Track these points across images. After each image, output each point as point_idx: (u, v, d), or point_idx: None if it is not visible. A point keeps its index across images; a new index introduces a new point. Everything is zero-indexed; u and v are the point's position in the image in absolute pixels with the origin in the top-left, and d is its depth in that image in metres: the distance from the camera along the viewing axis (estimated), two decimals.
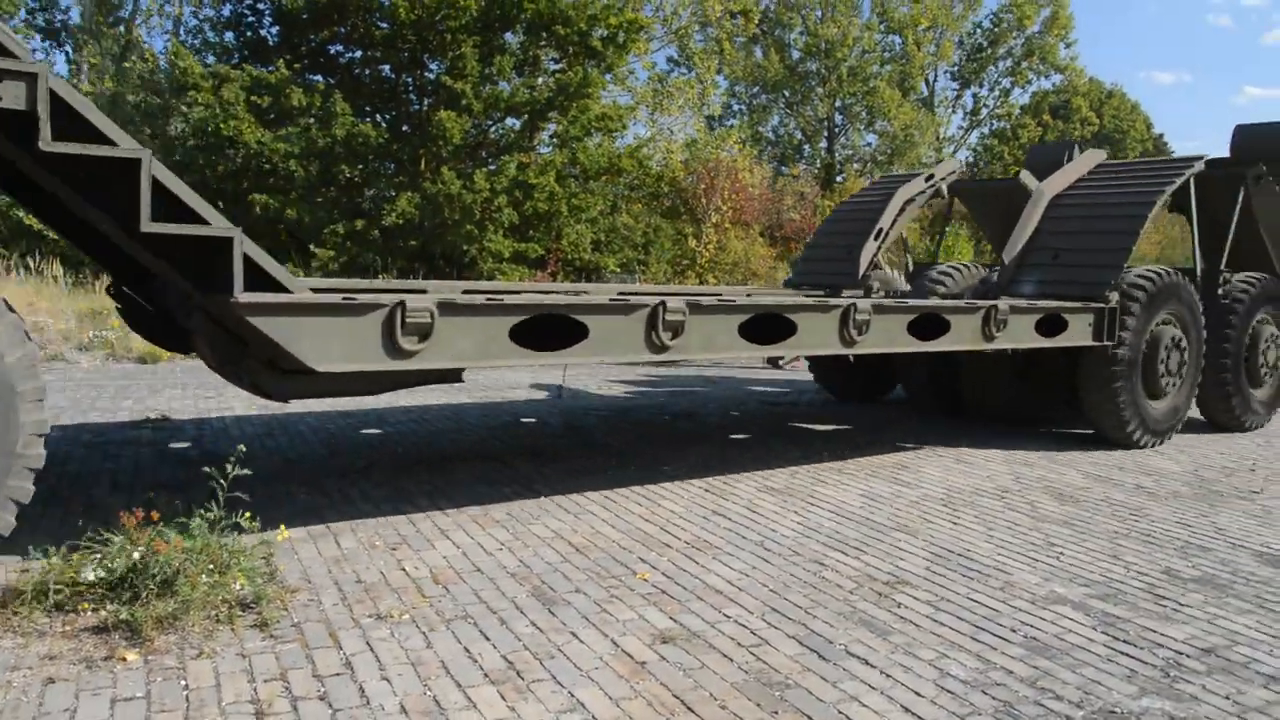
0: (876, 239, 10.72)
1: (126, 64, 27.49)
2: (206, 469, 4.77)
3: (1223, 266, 10.22)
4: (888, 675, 3.91)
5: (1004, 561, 5.50)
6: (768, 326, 6.49)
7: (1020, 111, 49.03)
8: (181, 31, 30.54)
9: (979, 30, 46.97)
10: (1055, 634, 4.42)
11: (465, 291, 7.04)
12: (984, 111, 48.73)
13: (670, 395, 11.98)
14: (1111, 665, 4.09)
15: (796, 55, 43.78)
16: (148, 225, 4.21)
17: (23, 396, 4.41)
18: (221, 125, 19.84)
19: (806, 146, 45.74)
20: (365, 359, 4.84)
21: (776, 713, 3.54)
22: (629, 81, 30.70)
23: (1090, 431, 9.50)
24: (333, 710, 3.42)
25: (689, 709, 3.54)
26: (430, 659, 3.87)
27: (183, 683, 3.57)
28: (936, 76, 48.15)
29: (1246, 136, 11.00)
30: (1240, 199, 10.17)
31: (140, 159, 4.15)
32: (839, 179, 40.71)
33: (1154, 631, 4.49)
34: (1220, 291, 10.07)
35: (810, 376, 12.45)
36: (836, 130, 45.46)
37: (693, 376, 13.94)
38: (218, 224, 4.42)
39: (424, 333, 4.94)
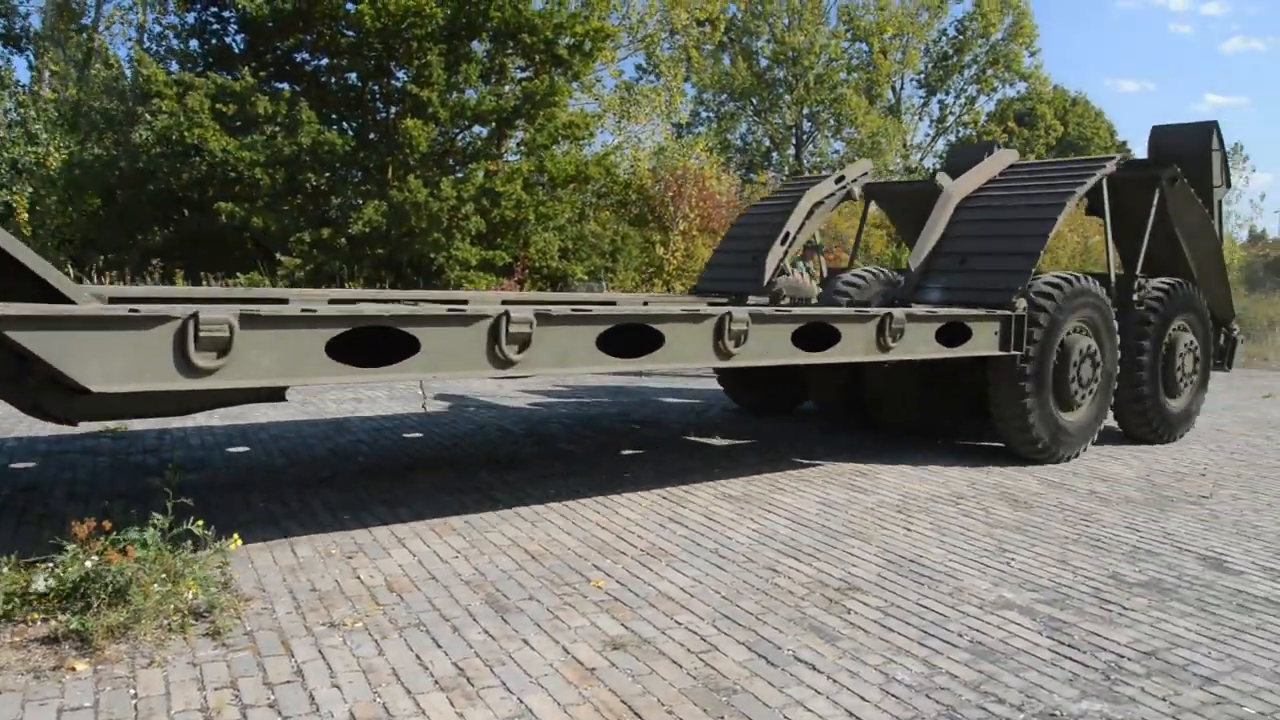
0: (783, 243, 10.43)
1: (90, 71, 27.26)
2: (156, 478, 4.77)
3: (1138, 271, 9.91)
4: (834, 680, 3.97)
5: (955, 567, 5.58)
6: (634, 338, 6.06)
7: (986, 119, 49.47)
8: (145, 39, 30.36)
9: (944, 38, 47.41)
10: (1001, 639, 4.51)
11: (332, 301, 6.86)
12: (950, 119, 49.13)
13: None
14: (1054, 669, 4.18)
15: (764, 63, 44.02)
16: None
17: None
18: (186, 133, 19.70)
19: (775, 154, 45.96)
20: (153, 378, 4.37)
21: (723, 717, 3.60)
22: (596, 89, 30.78)
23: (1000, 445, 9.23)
24: (282, 717, 3.45)
25: (636, 715, 3.59)
26: (381, 666, 3.90)
27: (132, 692, 3.58)
28: (903, 84, 48.53)
29: (1162, 137, 10.67)
30: (1155, 201, 9.82)
31: None
32: None
33: (1098, 635, 4.59)
34: (1135, 298, 9.68)
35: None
36: (804, 137, 45.72)
37: (661, 388, 13.99)
38: None
39: (222, 348, 4.47)
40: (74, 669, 3.73)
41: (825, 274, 11.83)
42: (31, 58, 31.15)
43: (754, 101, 44.93)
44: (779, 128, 45.57)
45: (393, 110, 22.19)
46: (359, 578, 4.98)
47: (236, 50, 22.32)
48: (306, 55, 22.38)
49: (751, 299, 9.89)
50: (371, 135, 22.05)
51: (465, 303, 7.55)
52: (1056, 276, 8.70)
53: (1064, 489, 7.77)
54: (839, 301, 10.10)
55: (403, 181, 20.55)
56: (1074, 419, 8.86)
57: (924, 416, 9.91)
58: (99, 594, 4.11)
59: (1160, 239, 10.17)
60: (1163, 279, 10.02)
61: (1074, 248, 30.64)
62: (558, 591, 4.90)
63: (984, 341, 8.10)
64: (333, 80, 22.51)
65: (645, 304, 8.44)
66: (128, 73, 26.78)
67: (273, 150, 20.03)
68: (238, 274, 19.93)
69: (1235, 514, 7.13)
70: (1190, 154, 10.46)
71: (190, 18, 22.77)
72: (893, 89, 47.79)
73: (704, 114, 46.82)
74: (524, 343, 5.44)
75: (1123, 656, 4.34)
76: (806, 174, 42.38)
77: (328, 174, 21.63)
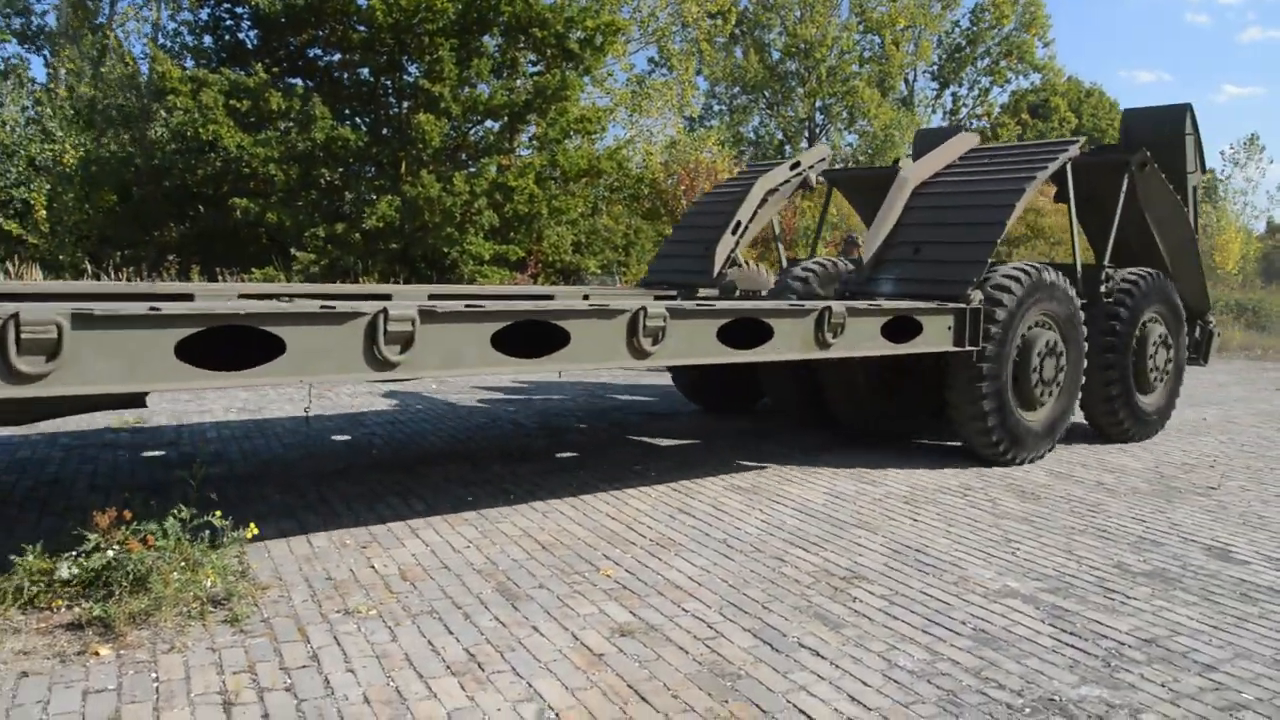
0: (734, 233, 10.04)
1: (104, 68, 27.45)
2: (179, 470, 4.88)
3: (1107, 261, 9.42)
4: (837, 666, 4.05)
5: (960, 557, 5.65)
6: (538, 337, 5.60)
7: (999, 111, 49.36)
8: (160, 35, 30.57)
9: (957, 29, 47.31)
10: (1004, 626, 4.58)
11: (241, 296, 6.44)
12: (963, 111, 49.06)
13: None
14: (1055, 656, 4.25)
15: (776, 56, 44.01)
16: None
17: None
18: (200, 129, 19.87)
19: (787, 147, 45.94)
20: None
21: (727, 701, 3.68)
22: (607, 83, 30.86)
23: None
24: (298, 700, 3.55)
25: (642, 699, 3.68)
26: (395, 652, 4.00)
27: (153, 675, 3.69)
28: (916, 76, 48.52)
29: (1134, 120, 10.45)
30: (1124, 188, 9.33)
31: None
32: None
33: (1100, 623, 4.65)
34: (1103, 289, 9.19)
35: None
36: (817, 130, 45.69)
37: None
38: None
39: (50, 351, 4.00)
40: (98, 654, 3.84)
41: (784, 264, 11.10)
42: (48, 55, 31.42)
43: (766, 94, 44.94)
44: (791, 121, 45.55)
45: (405, 105, 22.30)
46: (373, 567, 5.08)
47: (250, 46, 22.46)
48: (319, 51, 22.51)
49: (702, 291, 9.55)
50: (384, 130, 22.16)
51: (389, 297, 7.16)
52: (1016, 267, 8.26)
53: (1072, 480, 7.82)
54: (791, 294, 9.51)
55: (416, 176, 20.66)
56: (1037, 418, 8.42)
57: (884, 414, 9.39)
58: (121, 582, 4.23)
59: (1131, 227, 9.80)
60: (1133, 270, 9.56)
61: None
62: (568, 580, 5.00)
63: (936, 336, 7.64)
64: (345, 76, 22.64)
65: (586, 298, 8.03)
66: (143, 69, 26.97)
67: (286, 146, 20.17)
68: (252, 269, 20.10)
69: (1243, 505, 7.17)
70: (1163, 138, 10.12)
71: (204, 14, 22.92)
72: (905, 81, 47.78)
73: (716, 107, 46.88)
74: (406, 342, 4.97)
75: (1123, 644, 4.41)
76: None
77: (341, 169, 21.77)
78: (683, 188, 25.93)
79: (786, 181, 10.68)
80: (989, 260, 7.94)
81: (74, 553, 4.41)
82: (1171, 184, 9.80)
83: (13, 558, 4.40)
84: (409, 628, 4.27)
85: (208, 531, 4.68)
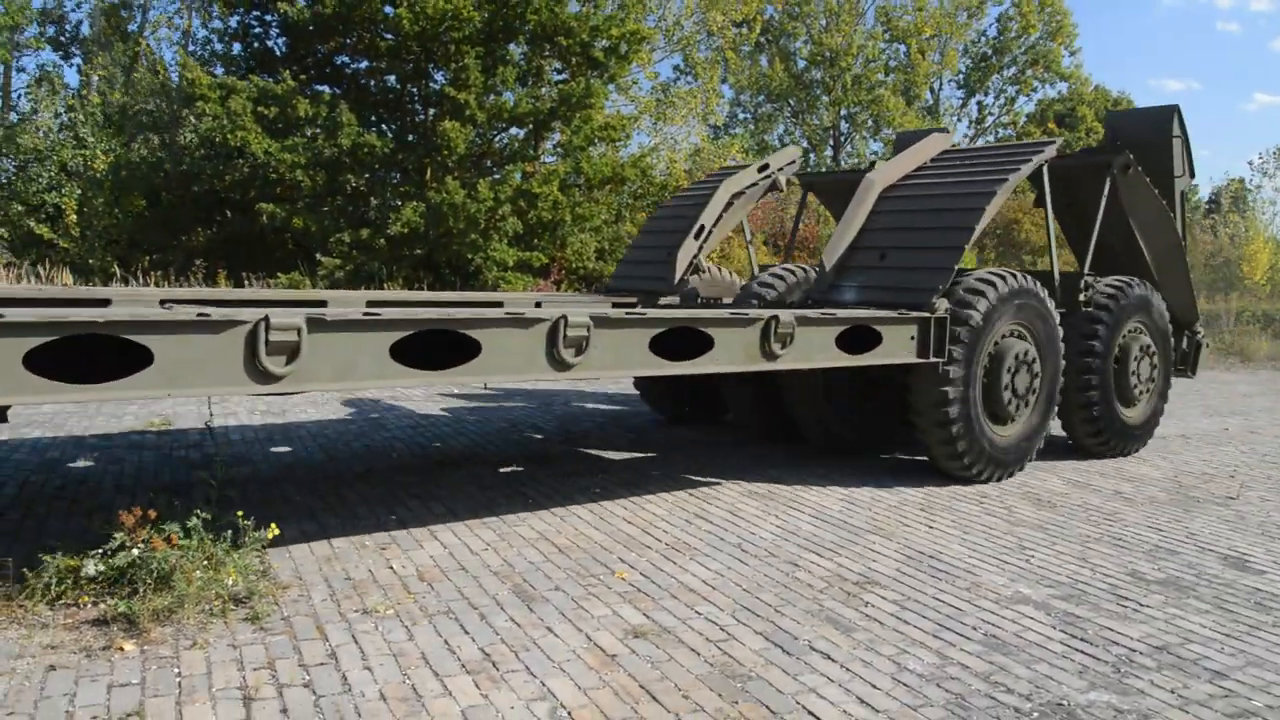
0: (698, 238, 9.67)
1: (135, 75, 27.81)
2: (202, 471, 4.98)
3: (1087, 269, 8.99)
4: (847, 669, 4.10)
5: (974, 564, 5.68)
6: (449, 347, 5.21)
7: (1025, 120, 49.18)
8: (190, 43, 30.97)
9: (983, 38, 47.18)
10: (1015, 632, 4.61)
11: (167, 302, 6.30)
12: (989, 120, 48.91)
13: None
14: (1065, 661, 4.28)
15: (801, 64, 44.04)
16: None
17: None
18: (229, 135, 20.12)
19: (812, 155, 45.94)
20: None
21: (737, 702, 3.74)
22: (632, 91, 30.99)
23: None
24: (316, 696, 3.63)
25: (653, 698, 3.74)
26: (411, 651, 4.08)
27: (176, 671, 3.78)
28: (941, 85, 48.39)
29: (1118, 122, 10.11)
30: (1106, 191, 8.86)
31: None
32: None
33: (1111, 630, 4.67)
34: (1083, 298, 8.72)
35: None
36: (842, 139, 45.67)
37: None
38: None
39: None
40: (122, 649, 3.94)
41: (756, 270, 10.62)
42: (80, 63, 31.86)
43: (791, 103, 44.98)
44: (816, 129, 45.55)
45: (431, 112, 22.50)
46: (391, 568, 5.17)
47: (278, 54, 22.73)
48: (346, 58, 22.75)
49: (663, 299, 9.29)
50: (410, 137, 22.36)
51: (325, 304, 7.01)
52: (989, 274, 7.80)
53: (1089, 489, 7.82)
54: (755, 302, 8.98)
55: (441, 183, 20.85)
56: (1008, 433, 7.96)
57: (853, 427, 8.88)
58: (145, 580, 4.34)
59: (1114, 234, 9.37)
60: (1115, 278, 9.13)
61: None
62: (583, 582, 5.06)
63: (898, 347, 7.19)
64: (372, 83, 22.88)
65: (538, 305, 7.74)
66: (173, 77, 27.32)
67: (313, 152, 20.39)
68: (279, 274, 20.31)
69: (1262, 515, 7.15)
70: (1149, 141, 9.69)
71: (233, 22, 23.20)
72: (931, 90, 47.69)
73: (741, 115, 46.99)
74: (292, 353, 4.58)
75: (1134, 650, 4.43)
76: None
77: (367, 175, 21.98)
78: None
79: (754, 184, 10.35)
80: (957, 267, 7.53)
81: (100, 551, 4.52)
82: (1158, 189, 9.41)
83: (41, 555, 4.51)
84: (425, 627, 4.35)
85: (230, 531, 4.78)
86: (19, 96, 30.16)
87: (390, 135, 22.01)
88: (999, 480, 7.97)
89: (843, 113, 44.48)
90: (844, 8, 41.79)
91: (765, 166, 10.42)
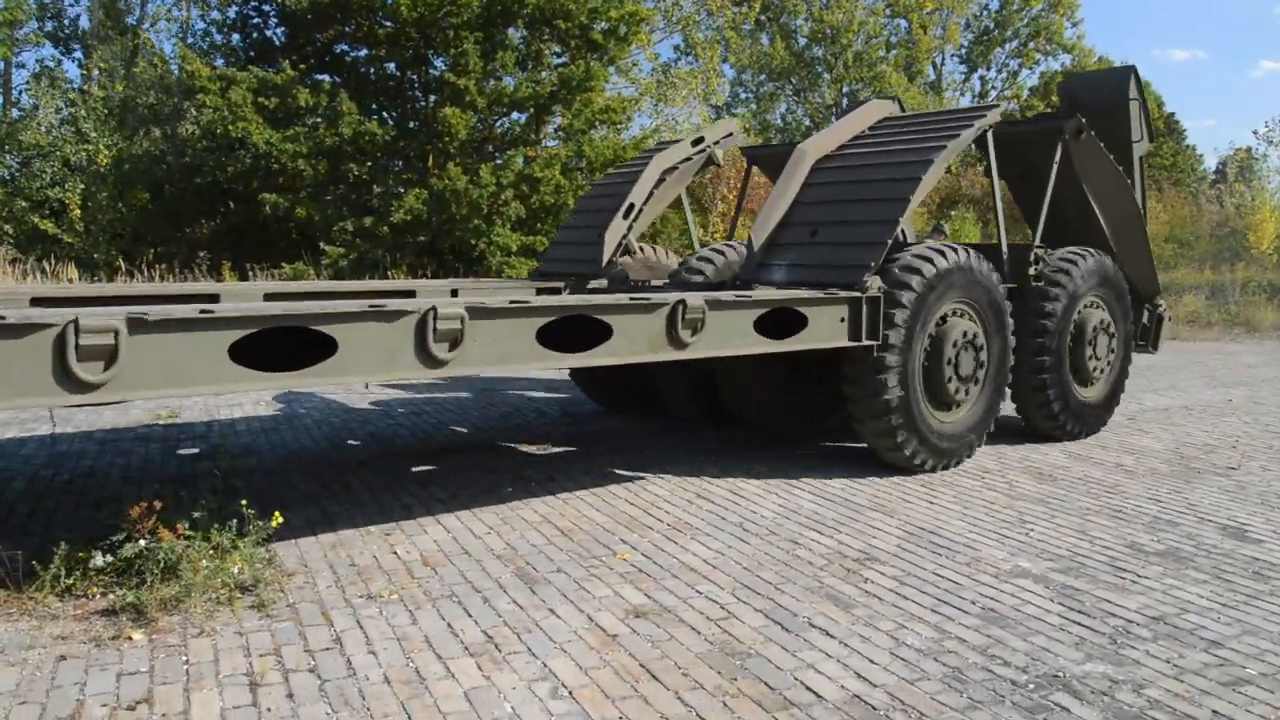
0: (626, 217, 9.15)
1: (136, 68, 27.84)
2: (207, 461, 5.04)
3: (1038, 241, 8.46)
4: (846, 645, 4.15)
5: (974, 538, 5.72)
6: (299, 345, 4.64)
7: (1029, 93, 48.95)
8: (189, 35, 30.97)
9: (985, 12, 46.93)
10: (1013, 605, 4.65)
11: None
12: (992, 94, 48.65)
13: None
14: (1062, 634, 4.32)
15: (802, 42, 43.86)
16: None
17: None
18: (230, 127, 20.17)
19: (815, 133, 45.78)
20: None
21: (735, 679, 3.79)
22: (632, 73, 30.92)
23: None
24: (321, 680, 3.70)
25: (653, 676, 3.80)
26: (415, 634, 4.14)
27: (184, 658, 3.85)
28: (944, 60, 48.16)
29: (1073, 86, 9.76)
30: (1058, 158, 8.40)
31: None
32: None
33: (1109, 602, 4.72)
34: (1033, 272, 8.20)
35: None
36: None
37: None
38: None
39: None
40: (131, 638, 4.01)
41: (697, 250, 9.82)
42: (81, 57, 31.89)
43: (793, 81, 44.78)
44: (819, 107, 45.36)
45: (431, 99, 22.51)
46: (395, 553, 5.23)
47: (277, 44, 22.75)
48: (345, 47, 22.76)
49: (591, 284, 8.89)
50: (411, 124, 22.38)
51: (218, 297, 6.61)
52: (927, 249, 7.30)
53: (1090, 462, 7.85)
54: (690, 284, 8.63)
55: (443, 169, 20.87)
56: (953, 419, 7.49)
57: (794, 413, 8.49)
58: (152, 570, 4.40)
59: (1069, 203, 8.89)
60: (1069, 250, 8.63)
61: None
62: (585, 564, 5.12)
63: (826, 330, 6.64)
64: (372, 71, 22.88)
65: (454, 293, 7.37)
66: (173, 69, 27.34)
67: (315, 141, 20.43)
68: (283, 264, 20.37)
69: (1262, 485, 7.18)
70: (1105, 105, 9.28)
71: (231, 12, 23.22)
72: (933, 65, 47.44)
73: (743, 94, 46.77)
74: (109, 358, 4.04)
75: (1131, 621, 4.47)
76: None
77: (369, 163, 22.02)
78: (709, 176, 26.00)
79: (688, 159, 9.80)
80: (890, 242, 6.98)
81: (108, 542, 4.59)
82: (1116, 155, 8.99)
83: (51, 547, 4.57)
84: (429, 611, 4.41)
85: (235, 521, 4.84)
86: (20, 93, 30.24)
87: (391, 123, 22.04)
88: (947, 468, 7.51)
89: (845, 90, 44.30)
90: None
91: (700, 140, 9.93)
